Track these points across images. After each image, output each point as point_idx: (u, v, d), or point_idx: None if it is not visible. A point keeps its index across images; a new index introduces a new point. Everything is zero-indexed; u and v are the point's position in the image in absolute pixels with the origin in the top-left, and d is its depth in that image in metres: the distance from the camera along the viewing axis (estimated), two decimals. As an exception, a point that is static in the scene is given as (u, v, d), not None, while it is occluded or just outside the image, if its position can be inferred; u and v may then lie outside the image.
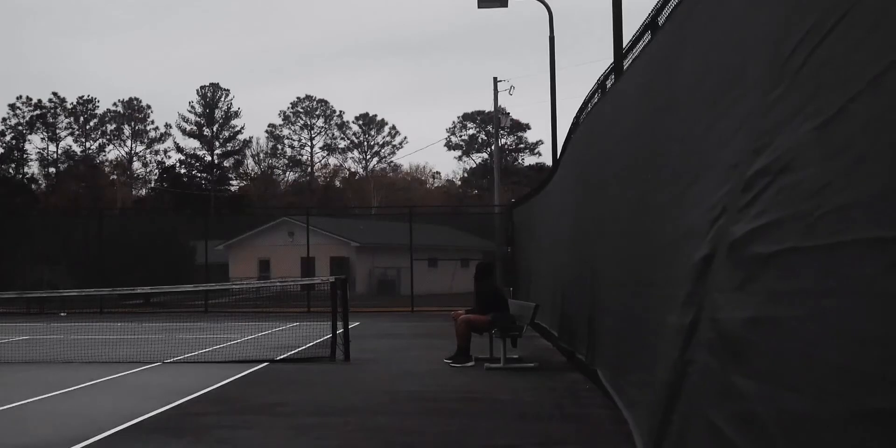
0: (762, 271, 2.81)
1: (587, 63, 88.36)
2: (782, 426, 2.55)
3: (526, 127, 79.59)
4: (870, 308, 2.09)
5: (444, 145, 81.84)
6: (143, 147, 79.04)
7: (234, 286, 33.33)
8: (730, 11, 3.71)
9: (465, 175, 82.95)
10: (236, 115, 77.68)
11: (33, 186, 70.51)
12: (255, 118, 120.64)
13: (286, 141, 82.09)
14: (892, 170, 2.02)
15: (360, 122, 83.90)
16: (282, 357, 12.95)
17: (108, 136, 77.72)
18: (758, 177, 2.89)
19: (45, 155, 74.15)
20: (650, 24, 5.97)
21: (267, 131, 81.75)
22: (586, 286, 9.26)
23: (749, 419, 2.81)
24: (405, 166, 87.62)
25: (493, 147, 60.43)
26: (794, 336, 2.54)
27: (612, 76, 8.29)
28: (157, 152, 79.25)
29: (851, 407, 2.14)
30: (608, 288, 7.73)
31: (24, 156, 71.15)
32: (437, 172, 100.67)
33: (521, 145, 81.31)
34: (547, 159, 70.47)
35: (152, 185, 77.35)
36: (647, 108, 5.82)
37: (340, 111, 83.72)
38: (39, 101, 74.23)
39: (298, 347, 14.35)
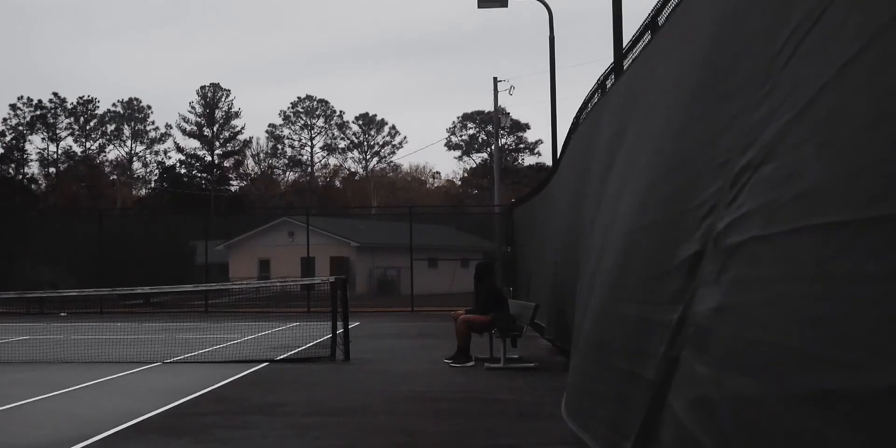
0: (731, 261, 2.85)
1: (587, 63, 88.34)
2: (731, 410, 2.59)
3: (526, 127, 79.67)
4: (819, 291, 2.13)
5: (444, 145, 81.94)
6: (144, 147, 79.12)
7: (234, 286, 33.31)
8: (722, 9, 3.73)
9: (465, 175, 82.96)
10: (236, 115, 77.75)
11: (33, 186, 70.57)
12: (255, 118, 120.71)
13: (286, 141, 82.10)
14: (850, 158, 2.07)
15: (360, 122, 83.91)
16: (282, 357, 12.95)
17: (108, 137, 77.74)
18: (742, 172, 2.95)
19: (46, 155, 74.19)
20: (650, 24, 5.98)
21: (267, 131, 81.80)
22: (574, 286, 9.27)
23: (702, 404, 2.85)
24: (405, 166, 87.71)
25: (493, 147, 60.44)
26: (748, 322, 2.59)
27: (612, 76, 8.31)
28: (157, 152, 79.36)
29: (798, 389, 2.17)
30: (586, 288, 7.75)
31: (25, 156, 71.22)
32: (437, 172, 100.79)
33: (521, 145, 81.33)
34: (547, 159, 70.56)
35: (152, 185, 77.41)
36: (631, 108, 5.82)
37: (340, 111, 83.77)
38: (40, 101, 74.31)
39: (298, 347, 14.35)
